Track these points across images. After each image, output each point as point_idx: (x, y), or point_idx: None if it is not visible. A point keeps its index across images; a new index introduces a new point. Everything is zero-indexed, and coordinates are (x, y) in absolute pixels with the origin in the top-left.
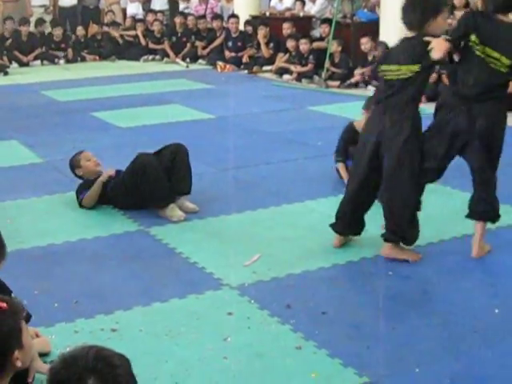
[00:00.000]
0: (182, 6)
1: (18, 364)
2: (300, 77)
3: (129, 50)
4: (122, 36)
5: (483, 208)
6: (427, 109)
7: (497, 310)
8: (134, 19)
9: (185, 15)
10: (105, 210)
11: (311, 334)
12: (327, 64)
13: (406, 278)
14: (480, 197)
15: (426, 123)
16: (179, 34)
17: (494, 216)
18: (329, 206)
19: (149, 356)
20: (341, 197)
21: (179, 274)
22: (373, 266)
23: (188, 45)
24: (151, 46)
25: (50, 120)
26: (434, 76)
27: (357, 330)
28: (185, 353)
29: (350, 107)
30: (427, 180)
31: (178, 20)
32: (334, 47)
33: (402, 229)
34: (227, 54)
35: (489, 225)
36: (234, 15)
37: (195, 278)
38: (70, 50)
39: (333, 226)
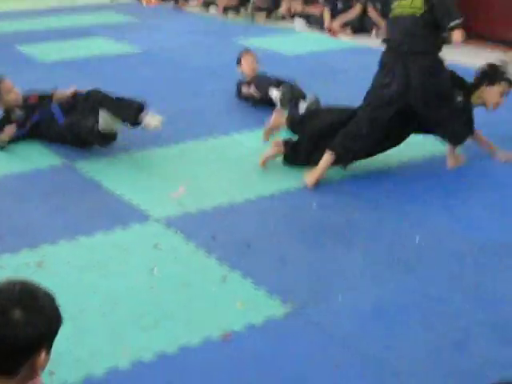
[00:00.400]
0: None
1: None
2: (226, 10)
3: None
4: None
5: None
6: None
7: (418, 238)
8: None
9: None
10: (27, 145)
11: (237, 265)
12: None
13: (329, 208)
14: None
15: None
16: None
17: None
18: (255, 139)
19: (76, 289)
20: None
21: (105, 207)
22: (297, 197)
23: None
24: None
25: None
26: (359, 7)
27: (281, 260)
28: (112, 285)
29: (277, 40)
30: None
31: None
32: None
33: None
34: None
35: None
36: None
37: (121, 211)
38: None
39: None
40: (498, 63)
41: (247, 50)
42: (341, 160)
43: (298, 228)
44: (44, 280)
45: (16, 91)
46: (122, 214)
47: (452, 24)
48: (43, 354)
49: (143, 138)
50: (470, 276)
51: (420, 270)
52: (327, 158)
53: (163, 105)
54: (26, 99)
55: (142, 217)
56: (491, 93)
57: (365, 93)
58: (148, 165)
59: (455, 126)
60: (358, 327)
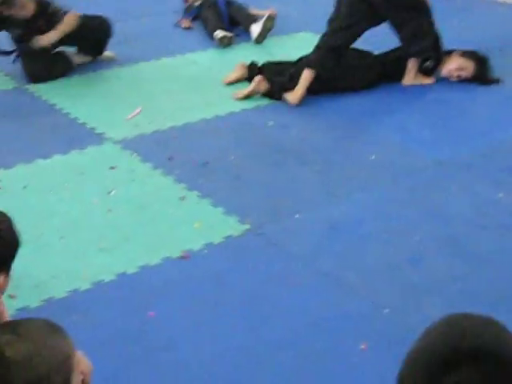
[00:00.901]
0: None
1: None
2: None
3: None
4: None
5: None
6: None
7: (373, 157)
8: None
9: None
10: None
11: (194, 185)
12: None
13: (286, 127)
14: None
15: None
16: None
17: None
18: (209, 59)
19: (34, 212)
20: (221, 49)
21: (61, 130)
22: (254, 116)
23: None
24: None
25: None
26: None
27: (239, 179)
28: (69, 207)
29: None
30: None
31: None
32: None
33: None
34: None
35: None
36: None
37: (77, 133)
38: None
39: None
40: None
41: None
42: (320, 74)
43: (254, 147)
44: (1, 204)
45: None
46: (77, 137)
47: None
48: (2, 277)
49: (96, 59)
50: (424, 192)
51: (375, 188)
52: (306, 74)
53: (116, 24)
54: None
55: (98, 139)
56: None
57: (316, 13)
58: (103, 86)
59: (420, 36)
60: (315, 245)
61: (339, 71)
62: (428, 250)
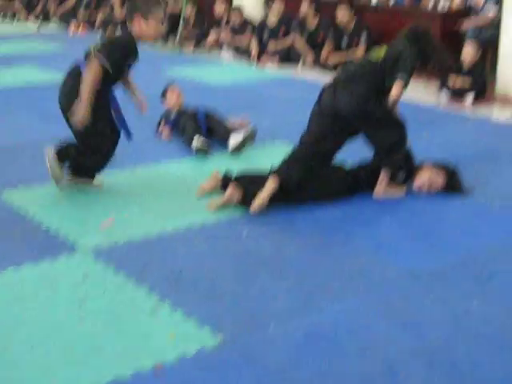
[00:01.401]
0: None
1: None
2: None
3: None
4: None
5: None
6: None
7: (347, 267)
8: None
9: None
10: None
11: (167, 295)
12: (181, 27)
13: (260, 238)
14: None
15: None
16: None
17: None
18: (184, 168)
19: (3, 322)
20: (196, 159)
21: (32, 238)
22: (227, 227)
23: (40, 4)
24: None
25: None
26: (291, 38)
27: (212, 290)
28: (40, 318)
29: (205, 70)
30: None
31: None
32: (188, 11)
33: None
34: (81, 13)
35: None
36: None
37: (49, 242)
38: None
39: None
40: None
41: (173, 84)
42: (286, 184)
43: (228, 258)
44: None
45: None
46: (49, 245)
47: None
48: None
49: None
50: (398, 303)
51: (349, 298)
52: (270, 183)
53: None
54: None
55: (70, 248)
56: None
57: (290, 123)
58: (76, 195)
59: (393, 149)
60: (291, 356)
61: (306, 183)
62: (403, 362)
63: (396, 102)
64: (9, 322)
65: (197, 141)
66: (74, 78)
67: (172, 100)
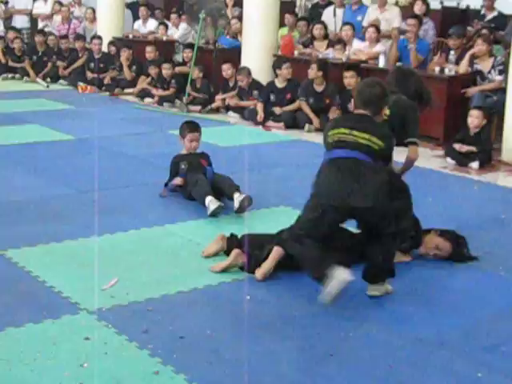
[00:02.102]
0: (41, 25)
1: None
2: (162, 100)
3: None
4: None
5: None
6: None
7: (351, 333)
8: None
9: (46, 34)
10: None
11: (169, 359)
12: (188, 89)
13: (264, 303)
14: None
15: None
16: (40, 53)
17: None
18: (188, 230)
19: (2, 383)
20: (200, 221)
21: (35, 298)
22: (231, 290)
23: (49, 64)
24: (11, 64)
25: None
26: (297, 104)
27: (215, 354)
28: (41, 379)
29: (211, 132)
30: None
31: (38, 39)
32: (196, 73)
33: None
34: (89, 74)
35: None
36: (97, 36)
37: (52, 302)
38: None
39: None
40: None
41: (195, 127)
42: (291, 250)
43: (231, 321)
44: None
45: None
46: (52, 305)
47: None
48: None
49: (76, 227)
50: (402, 370)
51: (353, 364)
52: (276, 251)
53: (94, 195)
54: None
55: (73, 308)
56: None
57: (295, 187)
58: (80, 255)
59: (400, 217)
60: None
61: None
62: None
63: (411, 165)
64: (8, 382)
65: (212, 203)
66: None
67: (189, 143)
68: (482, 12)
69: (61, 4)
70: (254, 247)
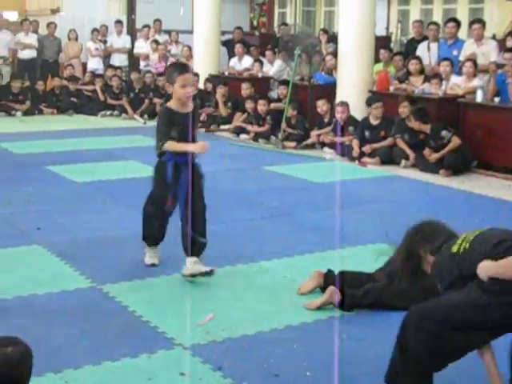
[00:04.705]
0: (142, 64)
1: None
2: (257, 137)
3: (87, 105)
4: (80, 90)
5: None
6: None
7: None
8: (94, 74)
9: (141, 71)
10: (57, 266)
11: None
12: (284, 125)
13: (360, 341)
14: None
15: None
16: (137, 91)
17: None
18: (283, 267)
19: None
20: (296, 257)
21: (131, 332)
22: (326, 328)
23: (146, 101)
24: (109, 101)
25: (3, 173)
26: (391, 140)
27: None
28: None
29: (306, 168)
30: None
31: (135, 76)
32: (290, 112)
33: None
34: None
35: None
36: (194, 73)
37: (147, 336)
38: (27, 103)
39: None
40: None
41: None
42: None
43: (327, 360)
44: None
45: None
46: (148, 340)
47: None
48: None
49: (170, 262)
50: None
51: None
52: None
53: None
54: None
55: (169, 343)
56: None
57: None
58: (176, 290)
59: None
60: None
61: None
62: None
63: None
64: None
65: (149, 257)
66: None
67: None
68: None
69: (157, 42)
70: (350, 285)
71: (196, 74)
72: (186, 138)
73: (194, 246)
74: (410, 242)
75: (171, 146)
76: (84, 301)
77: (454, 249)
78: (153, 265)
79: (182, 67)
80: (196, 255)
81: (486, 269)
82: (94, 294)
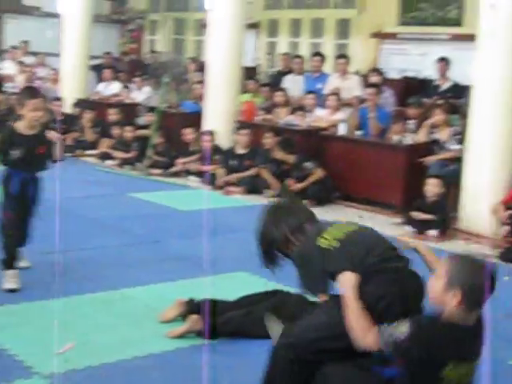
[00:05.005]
0: (8, 85)
1: None
2: (123, 163)
3: None
4: None
5: None
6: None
7: None
8: None
9: (5, 93)
10: None
11: None
12: (150, 152)
13: (222, 369)
14: None
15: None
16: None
17: None
18: (146, 294)
19: None
20: (159, 285)
21: None
22: (188, 356)
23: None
24: None
25: None
26: (255, 169)
27: None
28: None
29: (172, 195)
30: None
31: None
32: (157, 139)
33: None
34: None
35: None
36: (58, 98)
37: (5, 365)
38: None
39: None
40: None
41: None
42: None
43: None
44: None
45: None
46: (5, 369)
47: None
48: None
49: (32, 289)
50: None
51: None
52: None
53: (50, 257)
54: None
55: (27, 372)
56: None
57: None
58: (36, 317)
59: None
60: None
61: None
62: None
63: None
64: None
65: (8, 281)
66: None
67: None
68: (436, 83)
69: (23, 64)
70: (213, 313)
71: (59, 99)
72: (31, 158)
73: None
74: (269, 217)
75: None
76: None
77: (323, 244)
78: (13, 290)
79: (32, 92)
80: None
81: (344, 289)
82: None
